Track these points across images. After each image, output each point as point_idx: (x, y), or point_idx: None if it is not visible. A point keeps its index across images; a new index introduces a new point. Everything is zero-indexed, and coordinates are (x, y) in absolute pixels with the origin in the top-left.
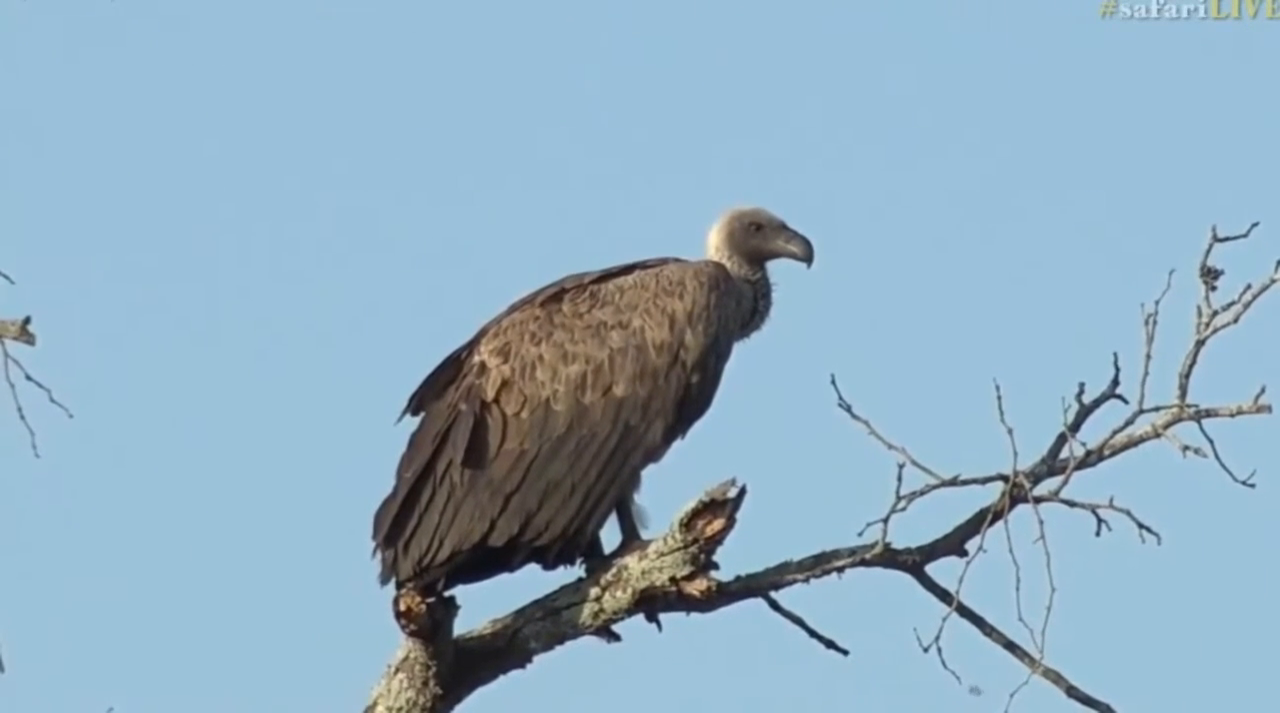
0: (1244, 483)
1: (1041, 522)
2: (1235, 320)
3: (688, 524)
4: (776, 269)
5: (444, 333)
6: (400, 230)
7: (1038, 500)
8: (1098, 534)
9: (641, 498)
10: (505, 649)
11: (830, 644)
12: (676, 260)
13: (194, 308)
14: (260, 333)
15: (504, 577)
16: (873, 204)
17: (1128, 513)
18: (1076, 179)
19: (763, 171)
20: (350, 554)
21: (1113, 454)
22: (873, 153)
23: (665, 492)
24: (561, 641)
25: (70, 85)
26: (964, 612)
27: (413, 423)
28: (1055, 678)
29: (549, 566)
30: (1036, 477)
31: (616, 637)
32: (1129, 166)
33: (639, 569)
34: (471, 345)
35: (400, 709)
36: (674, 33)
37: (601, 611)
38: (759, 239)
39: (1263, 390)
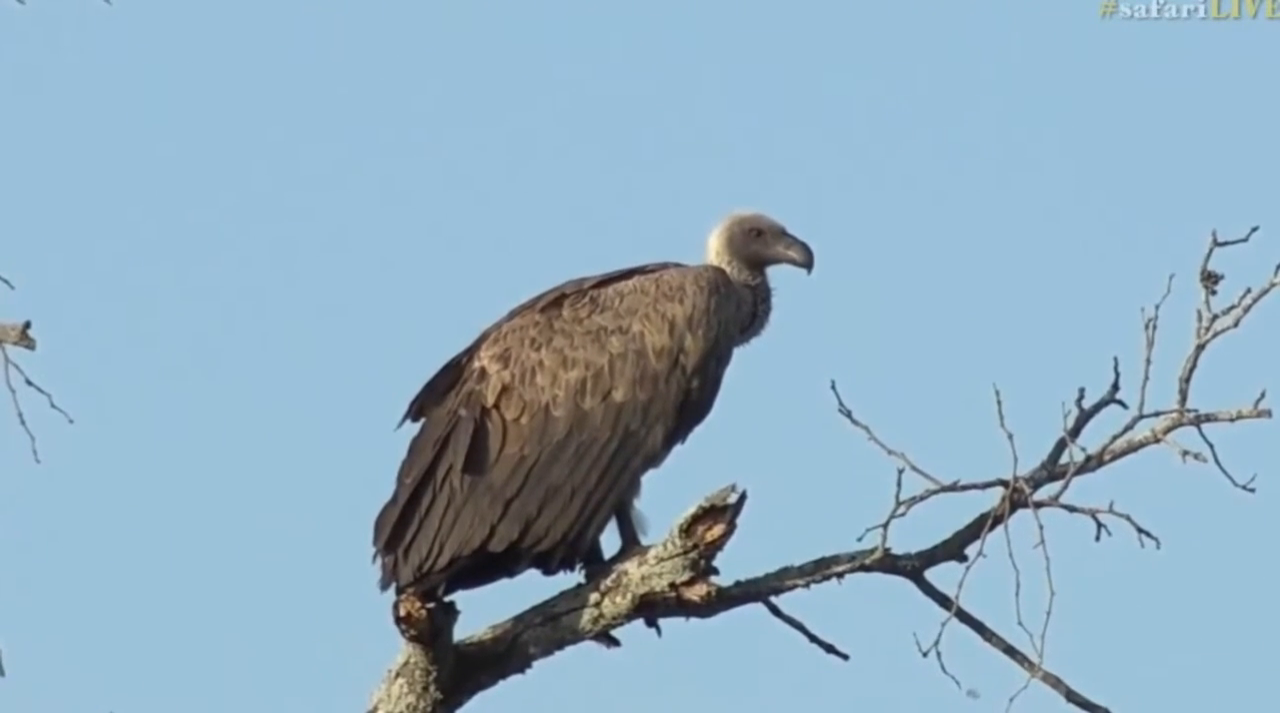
0: (1244, 488)
1: (1041, 527)
2: (1235, 325)
3: (688, 530)
4: (776, 275)
5: (444, 338)
6: (400, 234)
7: (1037, 505)
8: (1097, 539)
9: (641, 503)
10: (505, 655)
11: (830, 649)
12: (676, 265)
13: (195, 312)
14: (261, 338)
15: (504, 582)
16: (872, 208)
17: (1127, 518)
18: (1076, 181)
19: (763, 176)
20: (351, 560)
21: (1113, 459)
22: (872, 156)
23: (665, 497)
24: (561, 646)
25: (70, 86)
26: (963, 617)
27: (413, 429)
28: (1055, 683)
29: (549, 571)
30: (1036, 482)
31: (616, 642)
32: (1129, 168)
33: (639, 575)
34: (471, 351)
35: None
36: (674, 35)
37: (601, 616)
38: (759, 244)
39: (1263, 395)
